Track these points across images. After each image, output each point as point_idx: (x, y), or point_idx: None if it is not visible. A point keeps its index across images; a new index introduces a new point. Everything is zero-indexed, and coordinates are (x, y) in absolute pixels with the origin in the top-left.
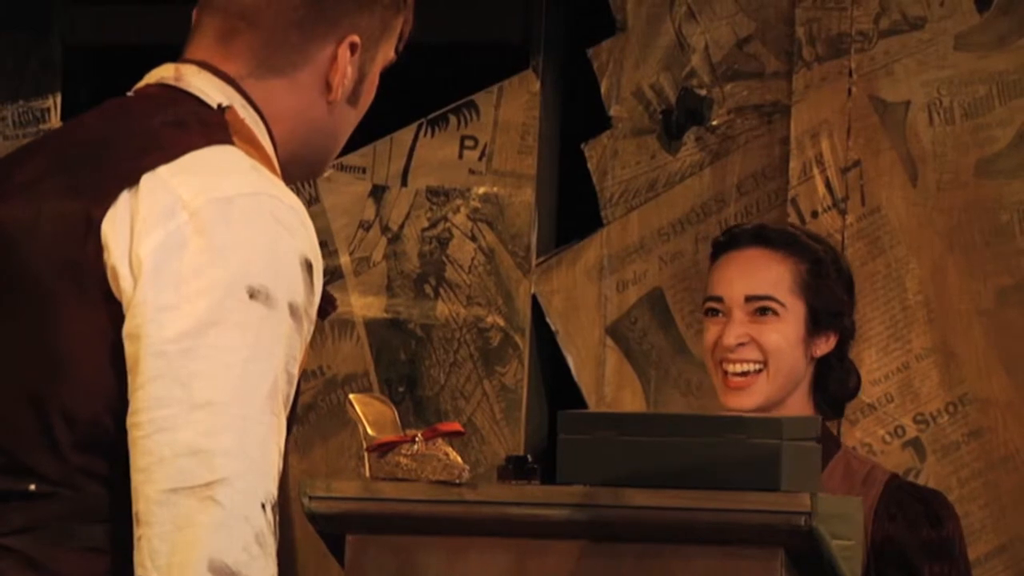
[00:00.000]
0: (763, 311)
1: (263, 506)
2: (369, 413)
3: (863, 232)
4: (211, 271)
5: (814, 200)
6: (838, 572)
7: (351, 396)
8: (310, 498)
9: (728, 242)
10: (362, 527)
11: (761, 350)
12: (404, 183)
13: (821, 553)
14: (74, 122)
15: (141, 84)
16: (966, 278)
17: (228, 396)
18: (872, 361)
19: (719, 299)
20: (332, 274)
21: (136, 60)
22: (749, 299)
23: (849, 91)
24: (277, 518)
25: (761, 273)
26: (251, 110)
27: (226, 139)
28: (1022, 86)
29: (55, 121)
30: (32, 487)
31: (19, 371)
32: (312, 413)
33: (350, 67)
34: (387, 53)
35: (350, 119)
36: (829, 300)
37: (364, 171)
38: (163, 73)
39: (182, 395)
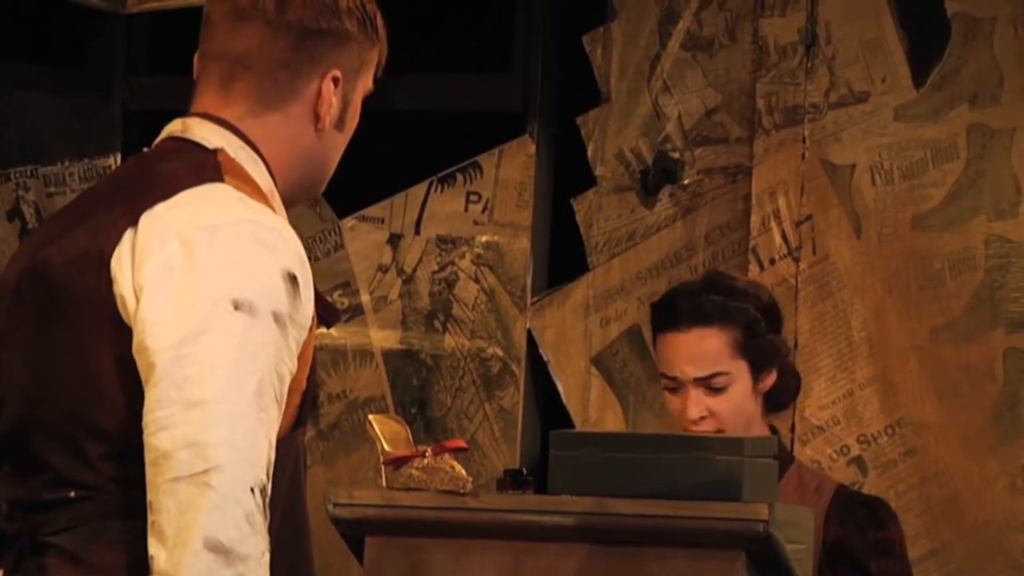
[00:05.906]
0: (714, 386)
1: (252, 490)
2: (386, 431)
3: (814, 277)
4: (199, 287)
5: (772, 249)
6: (792, 573)
7: (370, 416)
8: (334, 505)
9: (668, 322)
10: (379, 530)
11: (720, 419)
12: (417, 232)
13: (777, 556)
14: (102, 178)
15: (158, 139)
16: (903, 318)
17: (218, 395)
18: (821, 389)
19: (674, 378)
20: (354, 310)
21: None
22: (699, 379)
23: (803, 155)
24: (267, 501)
25: (704, 354)
26: (249, 150)
27: (217, 177)
28: (952, 152)
29: None
30: (72, 494)
31: (58, 396)
32: (336, 431)
33: (335, 98)
34: (366, 83)
35: (339, 143)
36: (765, 350)
37: (383, 221)
38: (173, 128)
39: (178, 396)
